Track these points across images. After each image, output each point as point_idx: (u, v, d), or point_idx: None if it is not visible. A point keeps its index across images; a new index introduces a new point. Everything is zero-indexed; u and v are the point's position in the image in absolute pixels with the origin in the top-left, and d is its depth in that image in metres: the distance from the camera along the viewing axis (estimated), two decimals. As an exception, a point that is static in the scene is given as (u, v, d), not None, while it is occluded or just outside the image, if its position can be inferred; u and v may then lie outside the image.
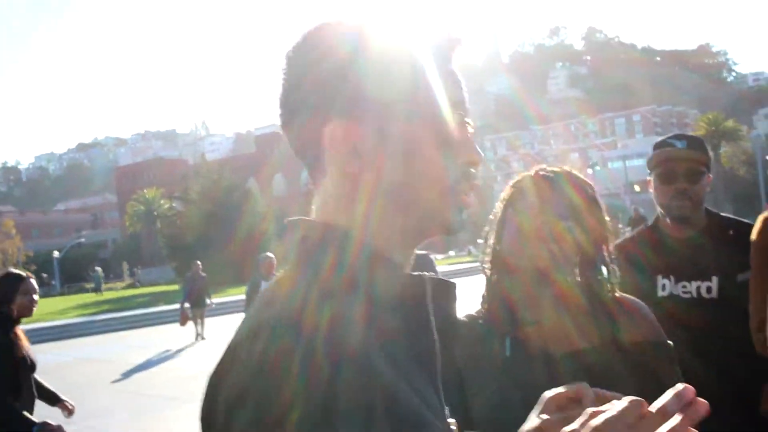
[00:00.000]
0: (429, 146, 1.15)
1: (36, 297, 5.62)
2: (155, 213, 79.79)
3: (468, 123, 1.21)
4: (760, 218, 3.06)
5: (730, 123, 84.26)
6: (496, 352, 2.23)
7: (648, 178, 3.45)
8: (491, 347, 2.24)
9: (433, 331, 1.16)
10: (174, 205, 59.25)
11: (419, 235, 1.20)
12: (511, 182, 2.38)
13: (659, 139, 3.53)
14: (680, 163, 3.29)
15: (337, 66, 1.13)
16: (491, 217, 2.39)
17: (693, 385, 2.28)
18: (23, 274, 5.70)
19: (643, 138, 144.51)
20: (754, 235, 3.04)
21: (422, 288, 1.16)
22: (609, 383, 2.01)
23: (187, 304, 20.96)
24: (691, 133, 3.73)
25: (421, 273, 1.19)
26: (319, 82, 1.14)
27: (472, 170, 1.21)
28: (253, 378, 0.94)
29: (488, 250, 2.37)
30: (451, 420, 1.24)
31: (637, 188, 77.09)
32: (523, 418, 1.99)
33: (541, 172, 2.31)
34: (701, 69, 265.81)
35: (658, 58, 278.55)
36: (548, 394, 1.24)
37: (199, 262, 22.25)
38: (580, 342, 2.20)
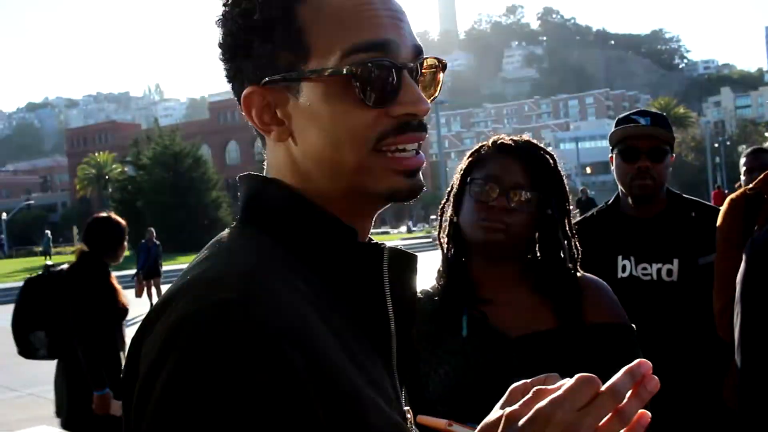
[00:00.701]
0: (348, 104, 1.06)
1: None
2: (107, 177, 78.64)
3: (407, 67, 1.10)
4: (727, 200, 2.98)
5: (680, 109, 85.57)
6: (452, 331, 2.14)
7: (610, 155, 3.35)
8: (447, 326, 2.16)
9: (387, 308, 1.11)
10: (126, 170, 58.35)
11: (365, 202, 1.14)
12: (468, 151, 2.30)
13: (610, 120, 3.43)
14: (643, 140, 3.19)
15: (243, 28, 1.09)
16: (448, 189, 2.30)
17: (654, 371, 2.24)
18: (122, 222, 5.73)
19: (595, 120, 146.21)
20: (720, 217, 2.97)
21: (377, 259, 1.11)
22: (568, 367, 1.94)
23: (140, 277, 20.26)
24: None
25: (377, 242, 1.15)
26: (231, 47, 1.11)
27: (414, 122, 1.10)
28: (166, 342, 0.93)
29: (445, 224, 2.28)
30: (406, 408, 1.18)
31: (588, 170, 77.94)
32: (478, 400, 1.94)
33: (501, 141, 2.22)
34: (654, 54, 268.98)
35: (613, 42, 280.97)
36: (515, 384, 1.12)
37: (152, 229, 21.36)
38: (539, 323, 2.12)
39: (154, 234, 20.94)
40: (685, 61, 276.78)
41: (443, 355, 2.12)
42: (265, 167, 1.18)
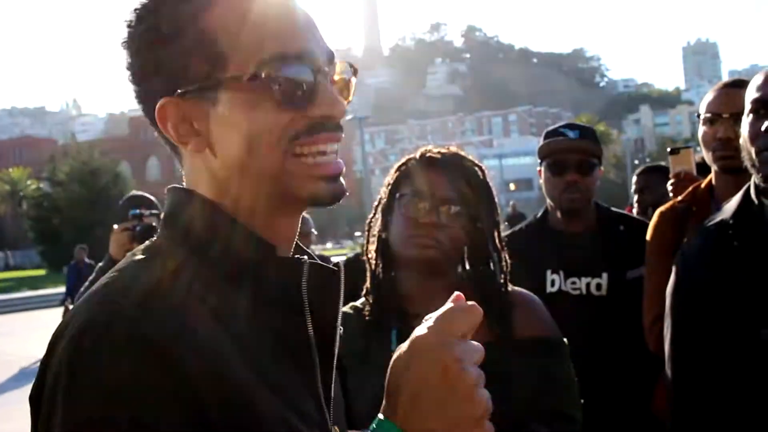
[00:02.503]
0: (266, 109, 1.07)
1: None
2: (21, 194, 76.59)
3: (322, 71, 1.12)
4: (657, 213, 2.98)
5: (601, 126, 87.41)
6: (381, 347, 2.09)
7: (538, 168, 3.32)
8: (376, 341, 2.12)
9: (307, 326, 1.10)
10: (41, 186, 57.10)
11: (287, 206, 1.14)
12: (395, 165, 2.24)
13: (533, 137, 3.42)
14: (571, 153, 3.18)
15: (150, 44, 1.09)
16: (375, 203, 2.25)
17: (583, 384, 2.24)
18: None
19: (518, 137, 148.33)
20: (650, 230, 2.96)
21: (297, 274, 1.10)
22: (501, 381, 1.90)
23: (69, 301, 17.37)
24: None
25: (297, 257, 1.14)
26: (140, 67, 1.11)
27: (329, 123, 1.12)
28: (69, 357, 0.95)
29: (373, 239, 2.23)
30: (334, 426, 1.19)
31: (512, 187, 79.03)
32: None
33: (428, 154, 2.18)
34: (575, 73, 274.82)
35: (535, 60, 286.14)
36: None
37: (84, 247, 18.88)
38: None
39: (86, 252, 18.27)
40: (606, 79, 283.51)
41: (372, 371, 2.05)
42: (183, 182, 1.17)
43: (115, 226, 4.10)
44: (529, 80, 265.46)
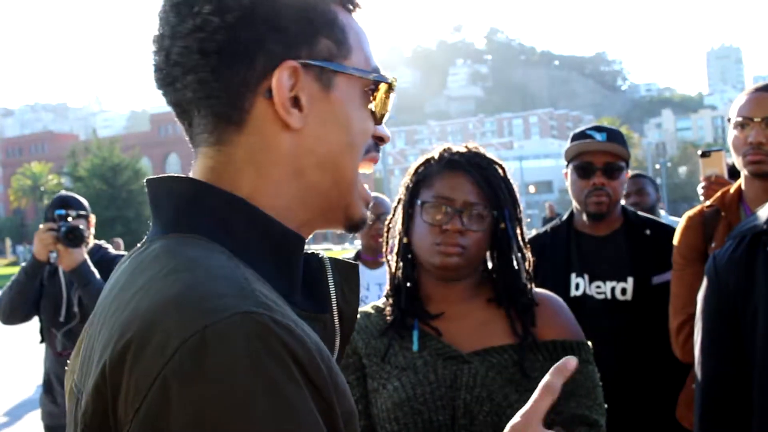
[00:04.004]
0: (366, 111, 1.09)
1: None
2: (42, 188, 77.22)
3: (390, 88, 1.14)
4: (685, 217, 2.94)
5: (623, 130, 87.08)
6: (402, 348, 2.08)
7: (564, 170, 3.29)
8: (397, 340, 2.10)
9: (335, 321, 1.10)
10: (62, 181, 57.49)
11: (323, 216, 1.11)
12: (413, 167, 2.21)
13: (554, 139, 3.39)
14: (599, 156, 3.14)
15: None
16: (394, 204, 2.22)
17: (606, 390, 2.22)
18: None
19: (539, 140, 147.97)
20: (678, 234, 2.92)
21: (323, 270, 1.10)
22: (522, 384, 1.88)
23: None
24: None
25: (317, 252, 1.13)
26: (274, 14, 1.02)
27: (379, 146, 1.15)
28: (178, 365, 0.80)
29: (392, 242, 2.20)
30: None
31: (531, 189, 78.79)
32: (427, 416, 1.96)
33: (447, 155, 2.14)
34: (597, 76, 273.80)
35: (557, 63, 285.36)
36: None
37: (119, 240, 17.73)
38: (493, 338, 2.06)
39: (122, 246, 16.95)
40: (628, 83, 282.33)
41: (393, 370, 2.05)
42: (214, 161, 1.05)
43: (41, 226, 4.09)
44: (550, 83, 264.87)
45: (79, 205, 4.31)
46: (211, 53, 0.99)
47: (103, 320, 0.96)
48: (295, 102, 1.02)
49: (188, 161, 0.95)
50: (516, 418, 1.16)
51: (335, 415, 0.88)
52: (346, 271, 1.13)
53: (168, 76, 1.03)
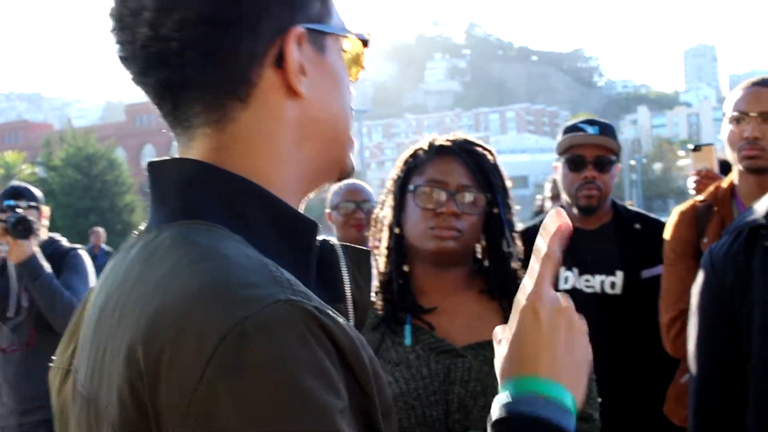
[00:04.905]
0: (344, 68, 1.07)
1: None
2: (16, 178, 76.54)
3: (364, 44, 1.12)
4: (675, 212, 2.94)
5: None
6: (394, 342, 2.05)
7: (555, 163, 3.28)
8: (390, 335, 2.07)
9: (348, 309, 1.05)
10: (36, 171, 56.93)
11: (317, 181, 1.07)
12: (402, 158, 2.18)
13: (530, 134, 3.39)
14: (590, 149, 3.14)
15: None
16: (382, 197, 2.20)
17: (597, 384, 2.21)
18: None
19: (515, 135, 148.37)
20: (669, 229, 2.92)
21: (336, 257, 1.06)
22: None
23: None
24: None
25: (327, 239, 1.08)
26: None
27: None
28: (224, 360, 0.75)
29: (380, 234, 2.17)
30: None
31: (508, 184, 79.00)
32: (420, 411, 1.94)
33: (438, 142, 2.12)
34: (574, 72, 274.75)
35: (535, 58, 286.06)
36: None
37: (99, 230, 16.34)
38: (486, 331, 2.01)
39: (103, 236, 15.87)
40: (604, 79, 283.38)
41: (385, 365, 2.02)
42: (215, 145, 0.98)
43: None
44: (528, 78, 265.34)
45: (30, 196, 4.17)
46: (212, 23, 0.92)
47: (121, 313, 0.88)
48: (301, 69, 0.98)
49: (164, 152, 1.01)
50: (522, 292, 1.02)
51: (374, 408, 0.84)
52: (358, 258, 1.08)
53: (158, 54, 0.93)
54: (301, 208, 1.04)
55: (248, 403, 0.73)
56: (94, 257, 12.94)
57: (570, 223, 1.04)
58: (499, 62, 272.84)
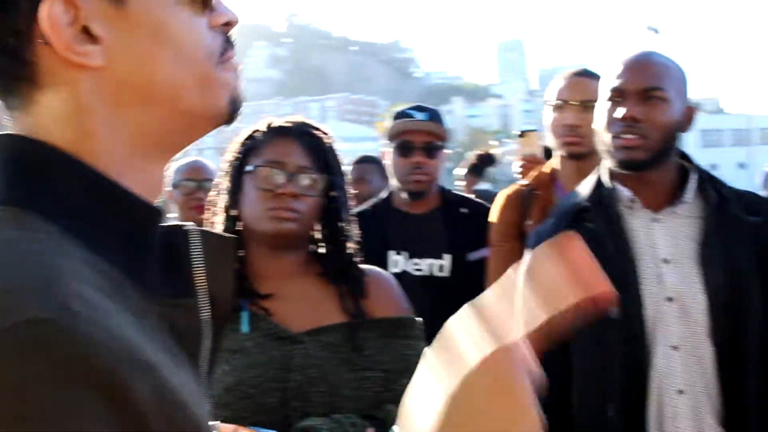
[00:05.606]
0: (177, 11, 0.85)
1: None
2: None
3: None
4: (502, 195, 3.04)
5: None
6: (232, 329, 1.97)
7: (382, 149, 3.32)
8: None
9: (196, 300, 0.89)
10: None
11: (165, 143, 0.91)
12: (238, 140, 2.13)
13: (350, 123, 3.43)
14: (419, 135, 3.19)
15: None
16: (217, 180, 2.15)
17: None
18: None
19: (336, 123, 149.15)
20: (495, 212, 3.01)
21: (183, 244, 0.91)
22: (355, 362, 1.86)
23: None
24: (378, 121, 3.63)
25: (179, 224, 0.93)
26: None
27: (231, 42, 0.93)
28: None
29: (219, 217, 2.10)
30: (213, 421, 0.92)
31: (345, 167, 79.50)
32: (258, 400, 1.90)
33: (276, 124, 2.09)
34: (392, 63, 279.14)
35: (355, 48, 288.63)
36: None
37: None
38: (324, 317, 2.02)
39: None
40: (420, 70, 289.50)
41: (223, 354, 1.96)
42: (25, 129, 0.84)
43: None
44: (348, 68, 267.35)
45: None
46: None
47: None
48: (88, 34, 0.81)
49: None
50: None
51: None
52: (217, 246, 0.94)
53: None
54: (162, 179, 0.93)
55: None
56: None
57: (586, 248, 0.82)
58: (320, 51, 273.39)
